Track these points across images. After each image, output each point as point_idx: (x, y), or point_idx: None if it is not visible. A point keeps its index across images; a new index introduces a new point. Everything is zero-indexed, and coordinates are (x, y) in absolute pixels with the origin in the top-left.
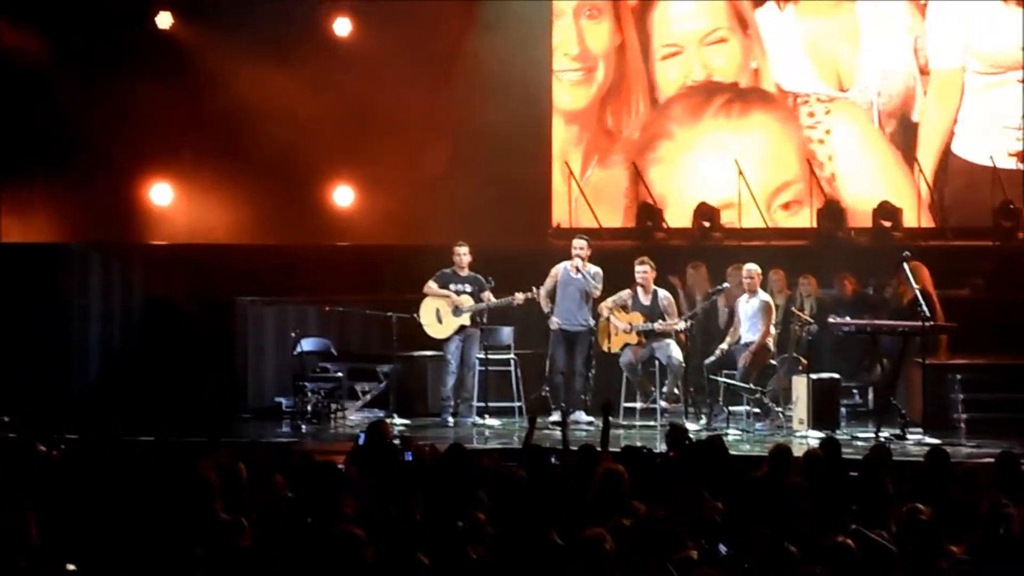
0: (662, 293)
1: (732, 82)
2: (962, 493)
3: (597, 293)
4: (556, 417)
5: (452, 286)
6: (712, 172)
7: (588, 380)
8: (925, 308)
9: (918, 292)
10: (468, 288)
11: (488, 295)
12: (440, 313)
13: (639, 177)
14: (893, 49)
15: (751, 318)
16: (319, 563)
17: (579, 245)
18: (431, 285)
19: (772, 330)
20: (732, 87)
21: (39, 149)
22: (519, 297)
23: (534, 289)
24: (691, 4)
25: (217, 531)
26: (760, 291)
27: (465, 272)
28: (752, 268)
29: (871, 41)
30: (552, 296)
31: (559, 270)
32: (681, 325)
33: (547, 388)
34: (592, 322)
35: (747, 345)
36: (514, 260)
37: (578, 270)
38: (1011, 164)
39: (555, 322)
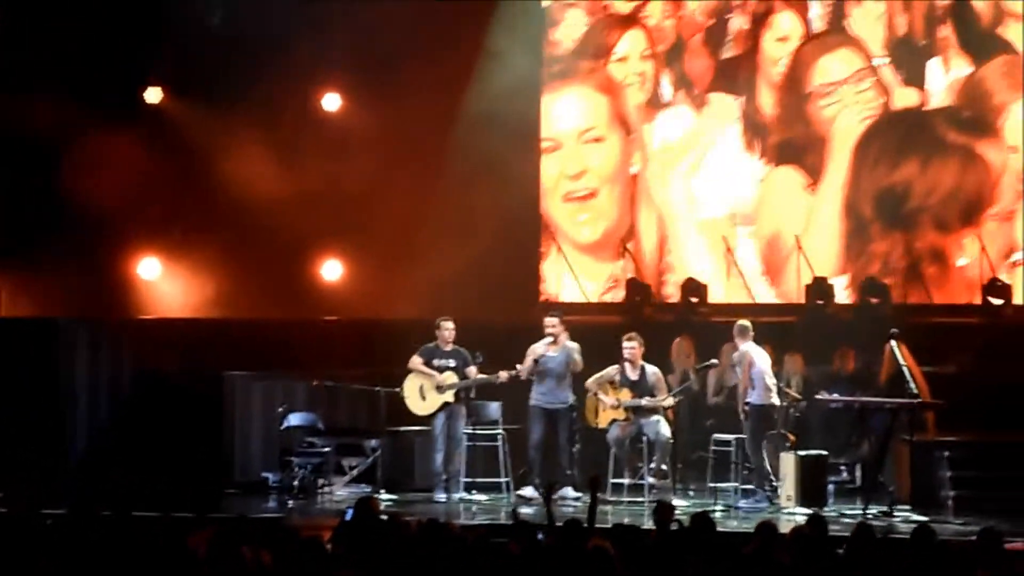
0: (650, 369)
1: None
2: (950, 572)
3: (579, 368)
4: (527, 492)
5: (436, 361)
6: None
7: (573, 455)
8: (912, 385)
9: (904, 368)
10: (452, 363)
11: (473, 370)
12: (424, 390)
13: (627, 253)
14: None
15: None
16: None
17: (550, 323)
18: (416, 360)
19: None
20: None
21: (27, 224)
22: (503, 375)
23: (517, 367)
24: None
25: None
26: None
27: (449, 347)
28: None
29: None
30: (534, 374)
31: (535, 349)
32: (669, 401)
33: (527, 466)
34: (572, 399)
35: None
36: (502, 334)
37: (554, 344)
38: None
39: (535, 398)
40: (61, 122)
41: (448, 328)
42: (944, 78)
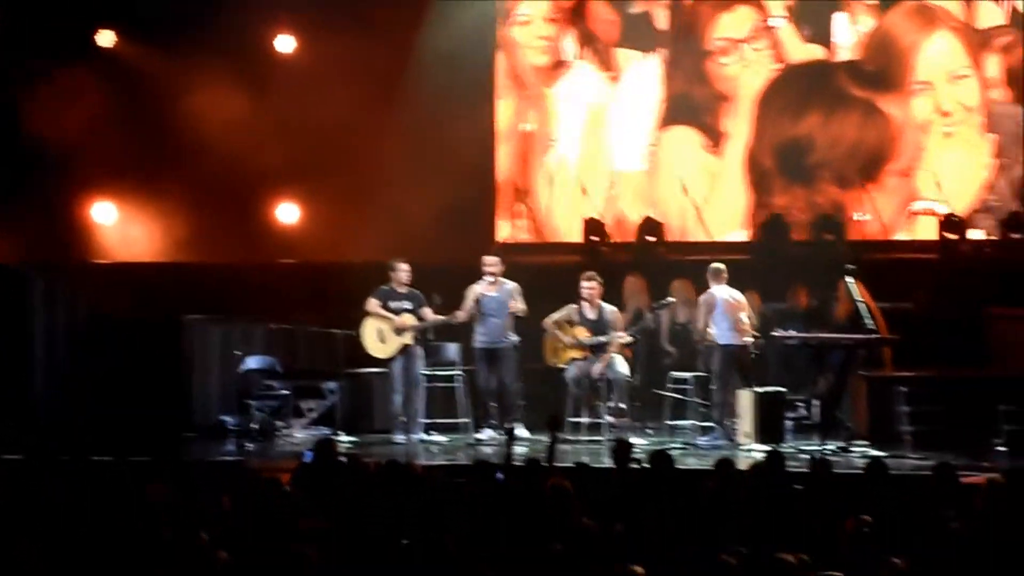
0: (608, 308)
1: None
2: (904, 505)
3: (519, 310)
4: (483, 435)
5: (392, 303)
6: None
7: (518, 394)
8: (868, 321)
9: (861, 305)
10: (407, 305)
11: (428, 311)
12: (382, 333)
13: (583, 192)
14: None
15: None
16: None
17: (490, 262)
18: (372, 303)
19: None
20: None
21: None
22: (460, 315)
23: (434, 296)
24: None
25: (164, 553)
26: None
27: (404, 289)
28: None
29: None
30: (475, 316)
31: (474, 291)
32: (625, 339)
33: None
34: (516, 339)
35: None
36: (460, 277)
37: (494, 284)
38: None
39: (477, 339)
40: (14, 66)
41: (403, 270)
42: (850, 33)
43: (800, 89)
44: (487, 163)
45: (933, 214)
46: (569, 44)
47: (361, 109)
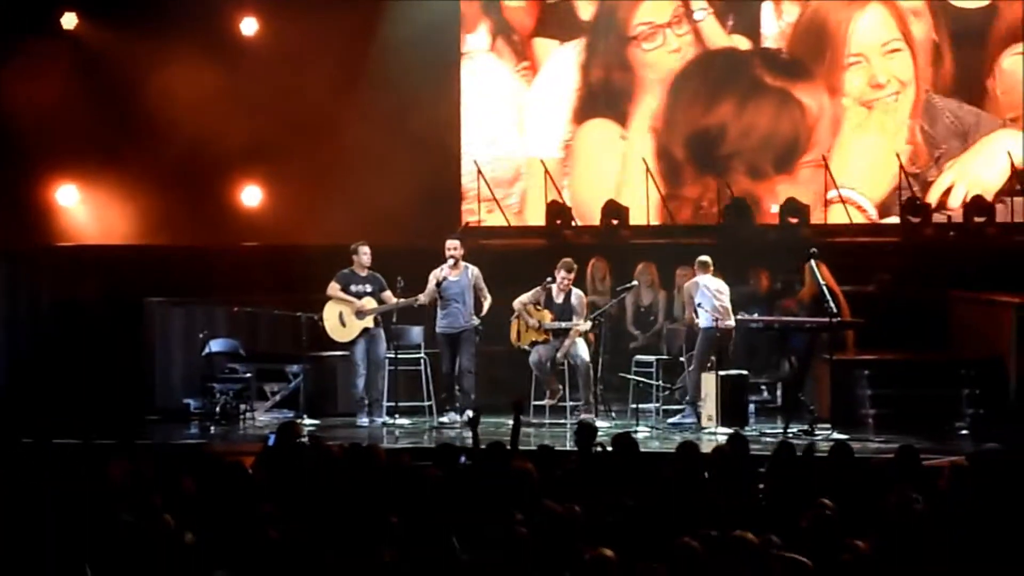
0: (576, 293)
1: None
2: (867, 488)
3: (484, 295)
4: (445, 419)
5: (353, 287)
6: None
7: (472, 379)
8: (832, 304)
9: (824, 288)
10: (368, 288)
11: (389, 295)
12: (343, 316)
13: (548, 175)
14: None
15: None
16: (235, 565)
17: (452, 245)
18: (334, 286)
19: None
20: None
21: None
22: (421, 298)
23: (398, 280)
24: None
25: (123, 535)
26: None
27: (365, 272)
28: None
29: None
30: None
31: (437, 273)
32: (585, 326)
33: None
34: (476, 322)
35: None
36: (424, 260)
37: (455, 268)
38: None
39: (439, 324)
40: None
41: (365, 253)
42: (776, 23)
43: (713, 78)
44: (453, 145)
45: (851, 203)
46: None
47: (325, 91)
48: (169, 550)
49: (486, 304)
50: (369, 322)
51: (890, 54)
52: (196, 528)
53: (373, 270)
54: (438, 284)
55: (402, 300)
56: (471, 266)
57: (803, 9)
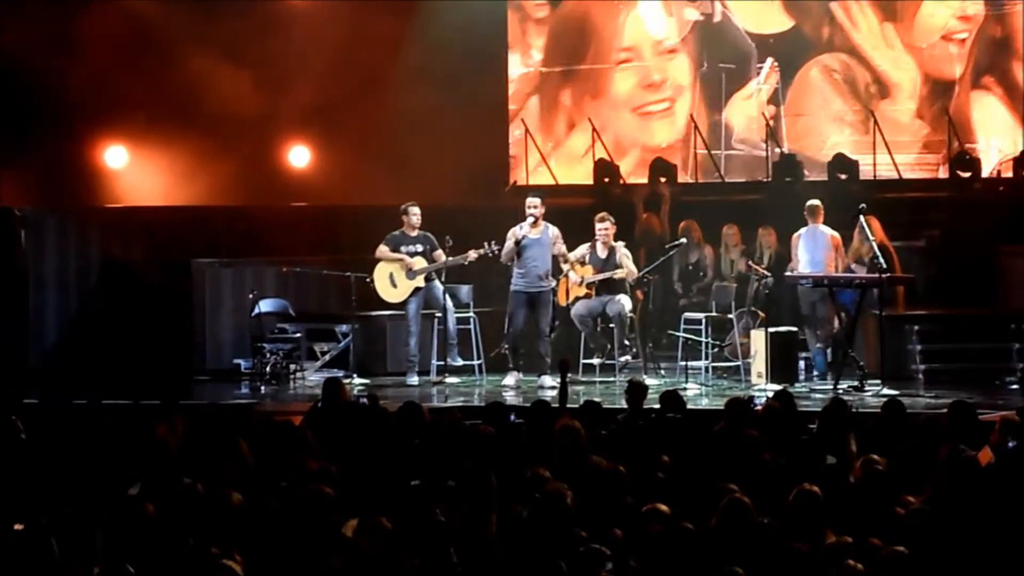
0: (621, 248)
1: None
2: (920, 443)
3: (562, 252)
4: (510, 380)
5: (404, 248)
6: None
7: (549, 342)
8: (882, 260)
9: (874, 244)
10: (419, 248)
11: (440, 253)
12: (394, 277)
13: (596, 134)
14: None
15: None
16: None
17: (532, 203)
18: (383, 249)
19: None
20: None
21: None
22: (471, 255)
23: (486, 245)
24: None
25: (179, 495)
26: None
27: (416, 232)
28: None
29: None
30: (514, 257)
31: (517, 232)
32: (621, 273)
33: (505, 347)
34: (554, 283)
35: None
36: (471, 219)
37: (535, 226)
38: None
39: (516, 283)
40: (25, 9)
41: (415, 213)
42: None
43: None
44: (501, 104)
45: None
46: None
47: (373, 52)
48: (217, 511)
49: (565, 267)
50: (420, 281)
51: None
52: (247, 487)
53: (423, 230)
54: (517, 242)
55: (452, 258)
56: (551, 225)
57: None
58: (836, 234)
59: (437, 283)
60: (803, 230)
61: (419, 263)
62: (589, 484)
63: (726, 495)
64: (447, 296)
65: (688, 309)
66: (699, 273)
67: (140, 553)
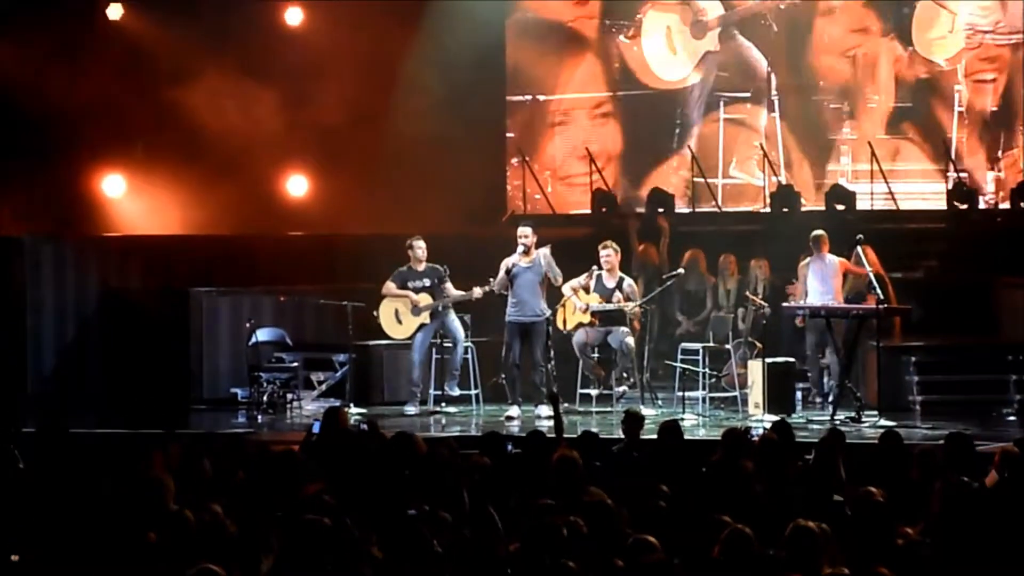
0: (628, 280)
1: None
2: (917, 475)
3: (558, 280)
4: (514, 411)
5: (410, 283)
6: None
7: (546, 372)
8: (879, 291)
9: (871, 275)
10: (427, 282)
11: (449, 286)
12: (399, 314)
13: (592, 163)
14: None
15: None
16: (290, 552)
17: (523, 233)
18: (389, 285)
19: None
20: None
21: None
22: (477, 292)
23: (490, 281)
24: None
25: (169, 523)
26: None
27: (423, 266)
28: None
29: None
30: (507, 286)
31: (509, 262)
32: (630, 306)
33: (503, 378)
34: (548, 312)
35: None
36: (469, 248)
37: (526, 255)
38: None
39: (509, 313)
40: (24, 39)
41: (420, 247)
42: None
43: None
44: (499, 135)
45: None
46: None
47: (370, 81)
48: (214, 539)
49: (567, 291)
50: (425, 318)
51: None
52: (243, 516)
53: (429, 262)
54: (508, 272)
55: (458, 292)
56: (542, 251)
57: None
58: (843, 259)
59: (452, 314)
60: (809, 259)
61: (424, 299)
62: (587, 514)
63: (725, 528)
64: (460, 328)
65: (685, 339)
66: (697, 304)
67: None
